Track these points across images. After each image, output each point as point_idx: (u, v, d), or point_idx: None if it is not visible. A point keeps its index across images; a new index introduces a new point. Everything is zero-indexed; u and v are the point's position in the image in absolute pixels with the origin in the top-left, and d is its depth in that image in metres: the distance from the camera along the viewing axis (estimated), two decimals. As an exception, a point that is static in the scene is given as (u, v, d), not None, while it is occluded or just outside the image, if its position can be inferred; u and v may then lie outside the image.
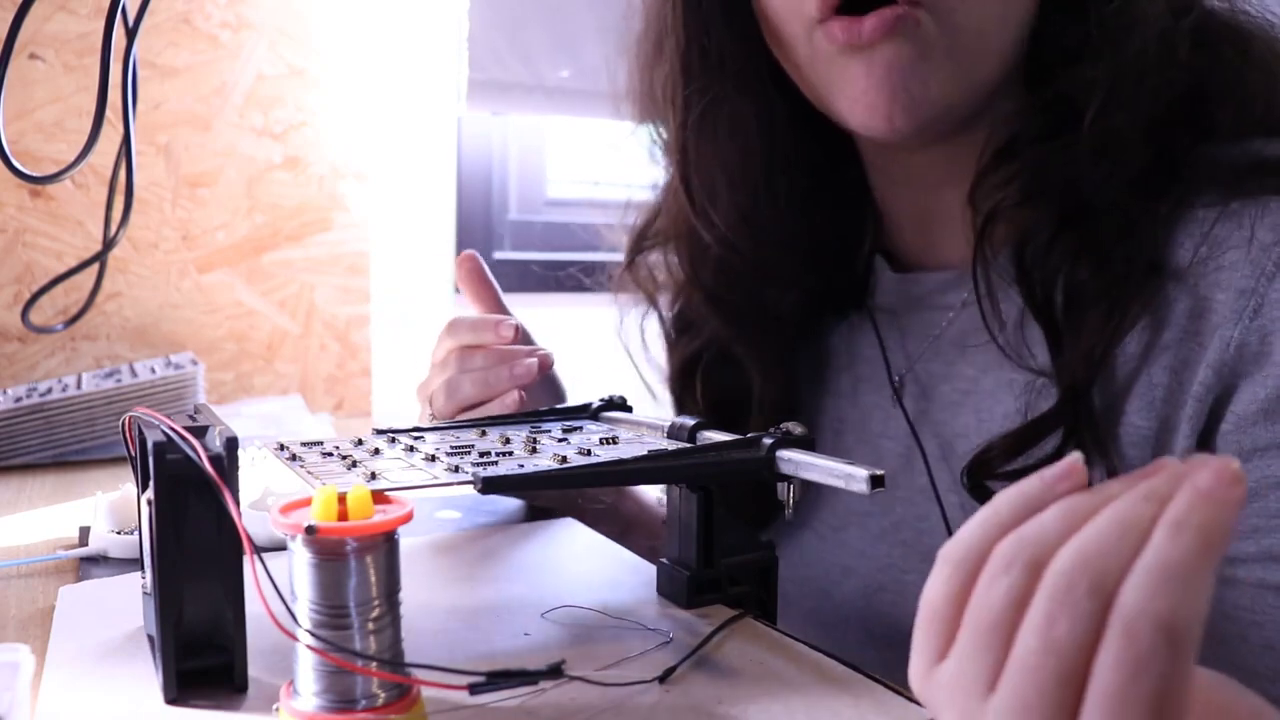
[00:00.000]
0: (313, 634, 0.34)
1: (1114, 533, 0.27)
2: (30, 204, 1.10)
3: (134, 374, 0.98)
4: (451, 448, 0.49)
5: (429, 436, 0.53)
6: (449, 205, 1.42)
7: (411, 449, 0.49)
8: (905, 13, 0.52)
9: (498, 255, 1.47)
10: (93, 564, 0.56)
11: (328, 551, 0.34)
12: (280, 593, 0.34)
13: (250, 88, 1.19)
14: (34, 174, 0.62)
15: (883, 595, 0.63)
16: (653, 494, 0.78)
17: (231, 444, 0.37)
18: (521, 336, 0.67)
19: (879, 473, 0.40)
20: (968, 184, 0.58)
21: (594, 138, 1.62)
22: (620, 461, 0.45)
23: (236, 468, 0.37)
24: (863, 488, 0.40)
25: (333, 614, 0.34)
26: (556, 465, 0.45)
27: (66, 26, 1.09)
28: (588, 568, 0.55)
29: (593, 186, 1.61)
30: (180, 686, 0.38)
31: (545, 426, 0.57)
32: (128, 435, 0.42)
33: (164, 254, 1.16)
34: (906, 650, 0.64)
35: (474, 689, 0.34)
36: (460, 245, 1.43)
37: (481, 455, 0.47)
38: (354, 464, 0.45)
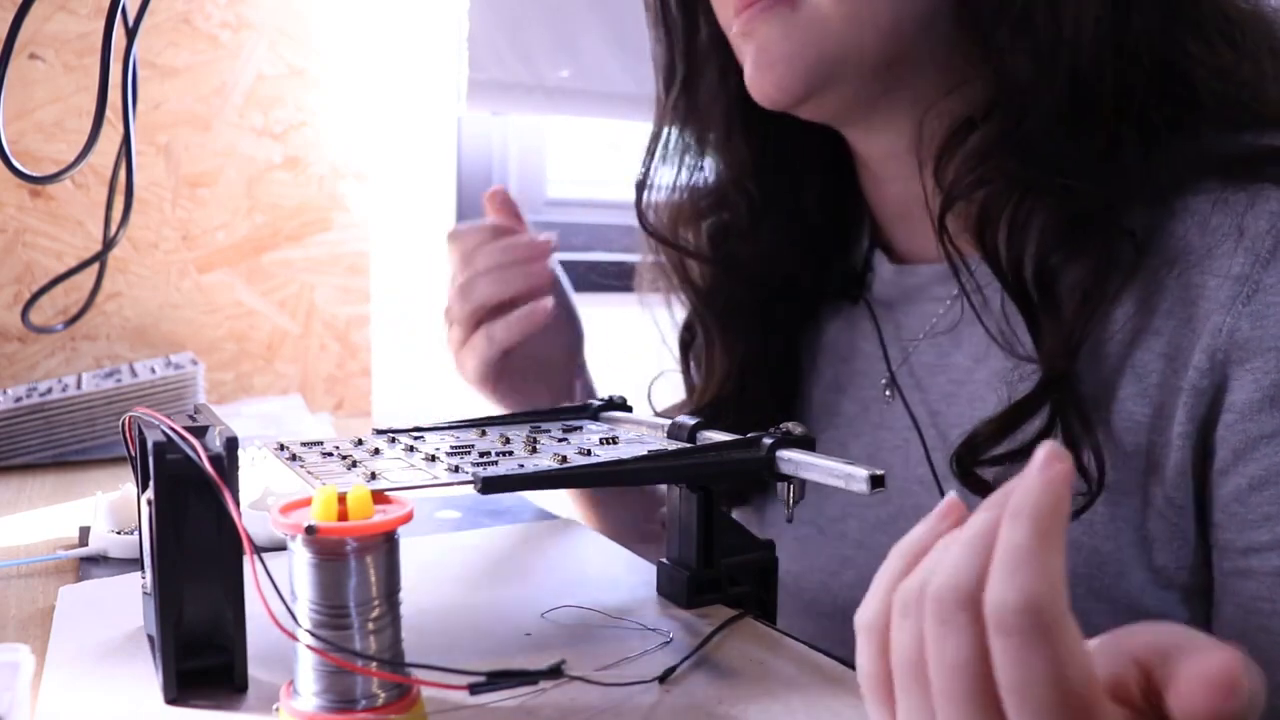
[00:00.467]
0: (313, 634, 0.34)
1: (970, 545, 0.28)
2: (30, 204, 1.10)
3: (134, 374, 0.98)
4: (451, 448, 0.49)
5: (429, 436, 0.53)
6: (449, 205, 1.42)
7: (411, 449, 0.49)
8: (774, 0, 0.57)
9: (498, 255, 1.47)
10: (93, 564, 0.56)
11: (328, 551, 0.34)
12: (280, 593, 0.34)
13: (250, 88, 1.19)
14: (34, 174, 0.62)
15: None
16: None
17: (231, 444, 0.37)
18: (538, 249, 0.69)
19: (879, 473, 0.40)
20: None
21: (594, 138, 1.62)
22: (620, 461, 0.45)
23: (236, 468, 0.37)
24: (863, 488, 0.40)
25: (333, 614, 0.34)
26: (556, 465, 0.45)
27: (66, 26, 1.09)
28: (588, 568, 0.55)
29: (593, 186, 1.61)
30: (180, 686, 0.38)
31: (545, 426, 0.57)
32: (128, 435, 0.42)
33: (164, 254, 1.16)
34: None
35: (474, 689, 0.34)
36: (460, 245, 1.42)
37: (481, 455, 0.47)
38: (354, 464, 0.45)
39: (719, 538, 0.48)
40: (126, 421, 0.42)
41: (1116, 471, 0.52)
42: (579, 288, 1.52)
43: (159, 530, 0.37)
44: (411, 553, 0.55)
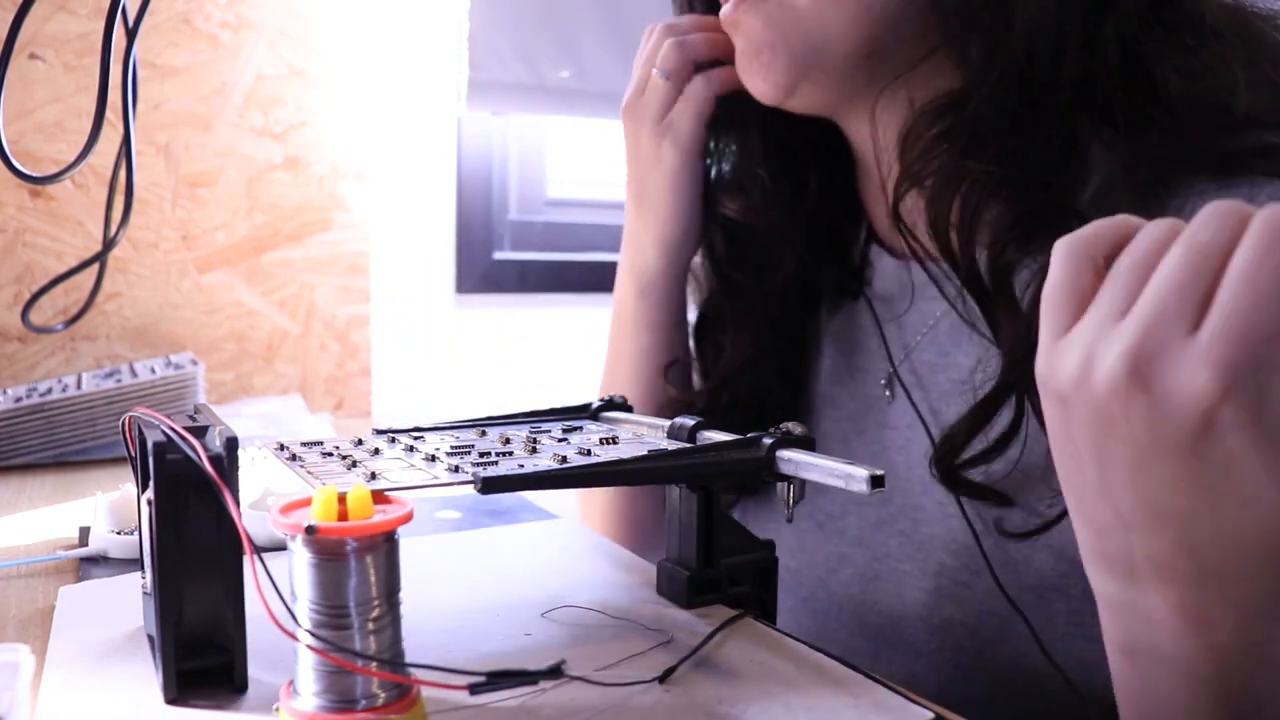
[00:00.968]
0: (313, 634, 0.34)
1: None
2: (30, 204, 1.10)
3: (134, 374, 0.98)
4: (451, 448, 0.49)
5: (429, 436, 0.53)
6: (449, 205, 1.42)
7: (411, 449, 0.49)
8: None
9: (498, 255, 1.47)
10: (93, 564, 0.56)
11: (328, 551, 0.34)
12: (280, 593, 0.34)
13: (250, 88, 1.19)
14: (34, 174, 0.62)
15: (878, 585, 0.63)
16: None
17: (231, 444, 0.37)
18: None
19: (879, 473, 0.40)
20: None
21: (594, 138, 1.62)
22: (620, 461, 0.45)
23: (236, 468, 0.37)
24: (863, 488, 0.40)
25: (333, 614, 0.34)
26: (556, 465, 0.45)
27: (66, 26, 1.09)
28: (588, 568, 0.55)
29: (593, 186, 1.61)
30: (180, 686, 0.38)
31: (545, 426, 0.57)
32: (128, 435, 0.42)
33: (164, 254, 1.16)
34: (898, 641, 0.65)
35: (474, 689, 0.34)
36: (460, 245, 1.43)
37: (481, 455, 0.47)
38: (354, 464, 0.45)
39: (719, 538, 0.48)
40: (126, 421, 0.42)
41: None
42: (579, 288, 1.52)
43: (159, 530, 0.37)
44: (411, 553, 0.55)
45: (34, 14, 0.82)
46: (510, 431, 0.54)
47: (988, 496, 0.56)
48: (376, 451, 0.49)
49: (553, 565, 0.56)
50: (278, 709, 0.35)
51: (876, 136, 0.62)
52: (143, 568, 0.41)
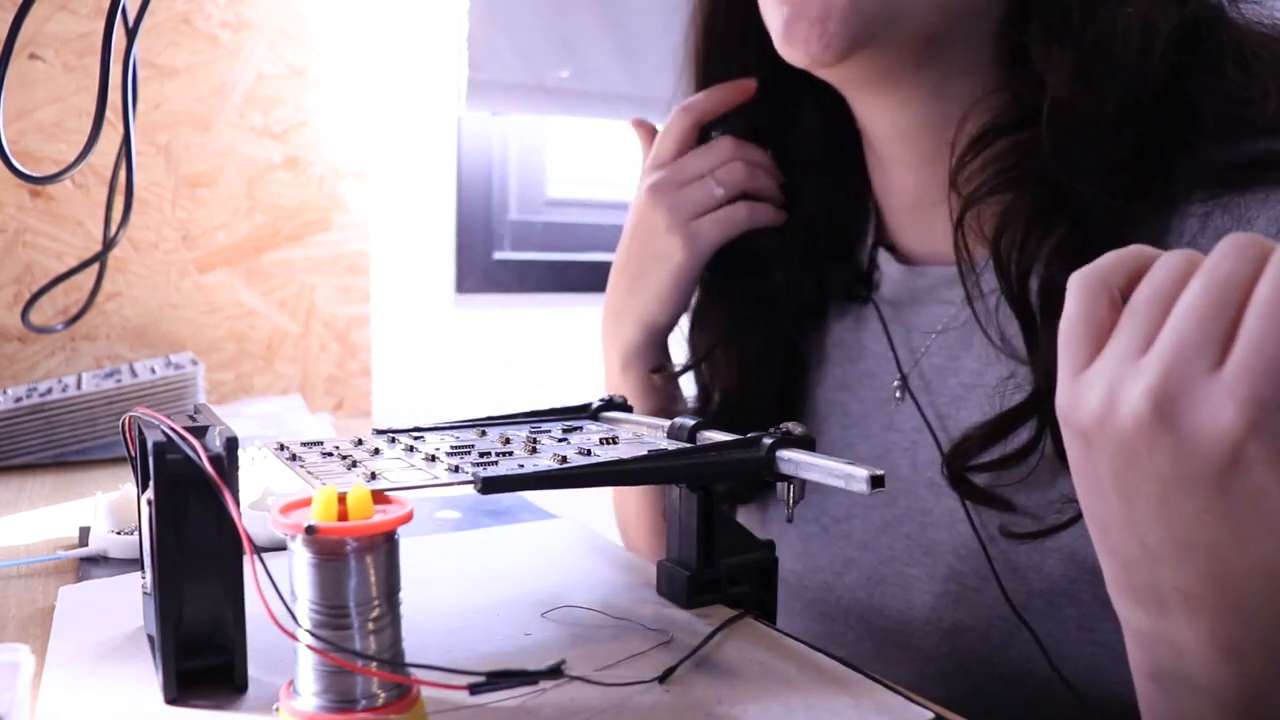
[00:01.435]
0: (313, 634, 0.34)
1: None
2: (30, 204, 1.10)
3: (134, 374, 0.98)
4: (451, 448, 0.49)
5: (429, 436, 0.53)
6: (449, 205, 1.42)
7: (411, 449, 0.49)
8: None
9: (498, 255, 1.47)
10: (93, 564, 0.56)
11: (328, 551, 0.34)
12: (280, 593, 0.34)
13: (250, 88, 1.19)
14: (34, 174, 0.62)
15: (884, 588, 0.63)
16: None
17: (231, 444, 0.37)
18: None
19: (879, 473, 0.40)
20: (946, 167, 0.59)
21: (594, 138, 1.62)
22: (620, 461, 0.45)
23: (236, 468, 0.37)
24: (863, 488, 0.40)
25: (333, 614, 0.34)
26: (556, 465, 0.45)
27: (66, 26, 1.09)
28: (588, 568, 0.55)
29: (593, 186, 1.61)
30: (180, 686, 0.38)
31: (545, 426, 0.57)
32: (128, 435, 0.42)
33: (164, 254, 1.16)
34: (906, 644, 0.65)
35: (474, 689, 0.34)
36: (460, 245, 1.43)
37: (481, 455, 0.47)
38: (354, 464, 0.45)
39: (719, 538, 0.48)
40: (126, 421, 0.42)
41: None
42: (579, 288, 1.52)
43: (159, 530, 0.37)
44: (411, 553, 0.55)
45: (34, 14, 0.82)
46: (510, 431, 0.54)
47: (993, 502, 0.56)
48: (376, 451, 0.49)
49: (553, 565, 0.56)
50: (278, 709, 0.35)
51: (905, 124, 0.61)
52: (143, 568, 0.41)
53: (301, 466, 0.46)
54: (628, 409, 0.61)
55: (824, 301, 0.72)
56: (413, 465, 0.45)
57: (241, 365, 1.21)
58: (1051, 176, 0.53)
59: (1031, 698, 0.56)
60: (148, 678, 0.40)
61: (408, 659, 0.36)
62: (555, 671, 0.35)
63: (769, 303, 0.71)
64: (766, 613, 0.49)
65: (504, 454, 0.47)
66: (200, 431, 0.38)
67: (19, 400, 0.91)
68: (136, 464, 0.42)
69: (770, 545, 0.49)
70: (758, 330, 0.71)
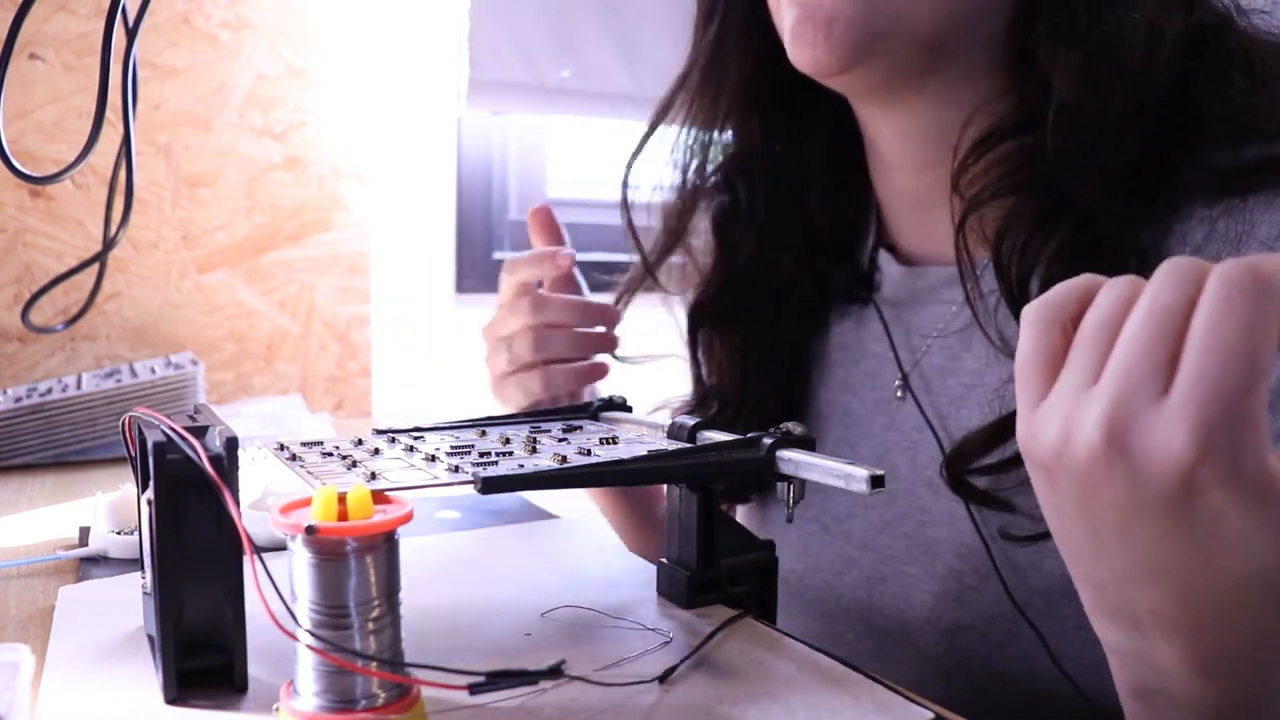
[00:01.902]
0: (313, 634, 0.34)
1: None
2: (30, 204, 1.10)
3: (134, 374, 0.98)
4: (451, 448, 0.49)
5: (429, 436, 0.53)
6: (449, 205, 1.42)
7: (411, 449, 0.49)
8: None
9: (498, 255, 1.47)
10: (93, 564, 0.56)
11: (328, 551, 0.34)
12: (280, 593, 0.34)
13: (250, 88, 1.19)
14: (34, 174, 0.62)
15: (884, 587, 0.63)
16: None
17: (231, 444, 0.37)
18: (610, 316, 0.71)
19: (879, 473, 0.40)
20: (949, 170, 0.58)
21: (594, 138, 1.62)
22: (620, 461, 0.45)
23: (236, 468, 0.37)
24: (863, 488, 0.40)
25: (333, 614, 0.34)
26: (556, 465, 0.45)
27: (66, 26, 1.09)
28: (588, 568, 0.55)
29: (593, 186, 1.61)
30: (180, 686, 0.38)
31: (545, 426, 0.57)
32: (128, 435, 0.42)
33: (164, 254, 1.16)
34: (906, 643, 0.65)
35: (474, 689, 0.34)
36: (460, 245, 1.43)
37: (481, 455, 0.47)
38: (354, 464, 0.45)
39: (719, 538, 0.48)
40: (126, 421, 0.42)
41: None
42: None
43: (159, 530, 0.37)
44: (411, 553, 0.55)
45: (34, 14, 0.82)
46: (510, 431, 0.54)
47: (992, 503, 0.56)
48: (376, 451, 0.49)
49: (553, 565, 0.56)
50: (278, 709, 0.35)
51: (908, 127, 0.61)
52: (143, 568, 0.41)
53: (301, 466, 0.46)
54: (628, 409, 0.61)
55: (825, 303, 0.72)
56: (413, 465, 0.45)
57: (241, 365, 1.21)
58: (1054, 180, 0.53)
59: (1031, 696, 0.56)
60: (148, 678, 0.40)
61: (408, 659, 0.36)
62: (555, 671, 0.35)
63: (772, 301, 0.71)
64: (766, 613, 0.49)
65: (504, 454, 0.47)
66: (200, 431, 0.38)
67: (19, 400, 0.91)
68: (136, 464, 0.42)
69: (770, 545, 0.49)
70: (760, 329, 0.71)
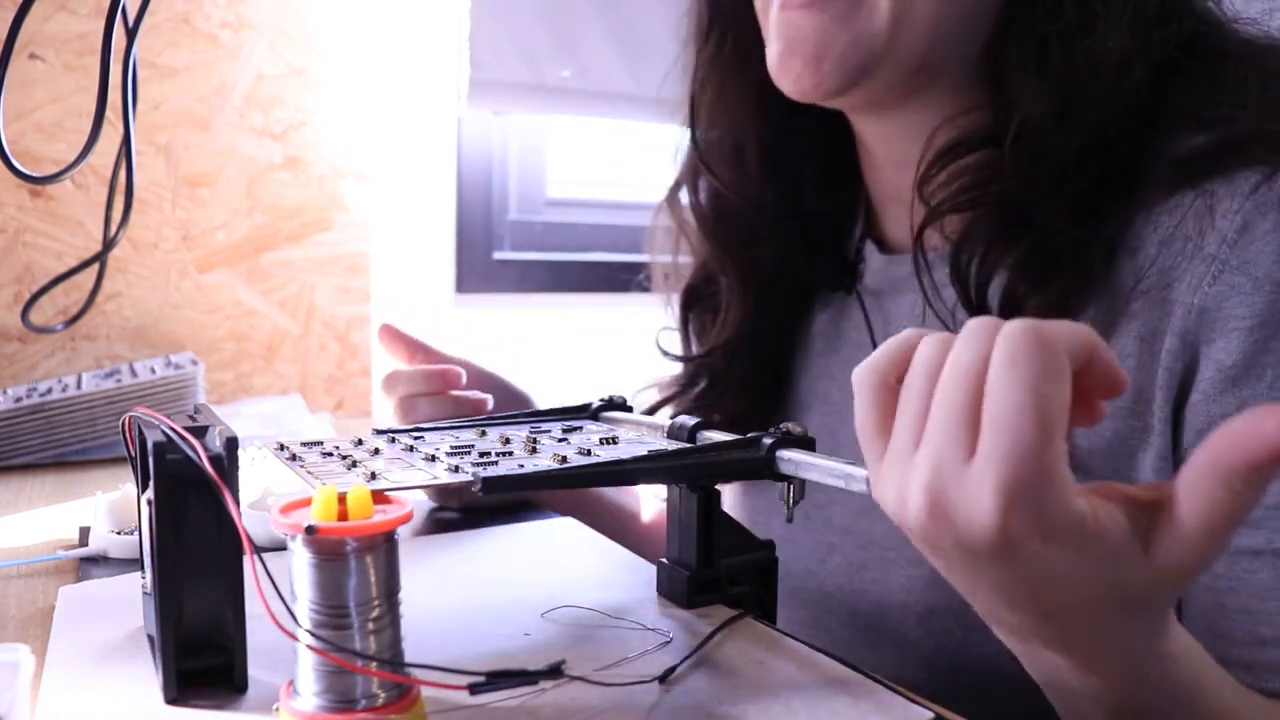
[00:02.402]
0: (313, 634, 0.34)
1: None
2: (30, 204, 1.10)
3: (134, 374, 0.98)
4: (451, 448, 0.49)
5: (429, 436, 0.53)
6: (449, 205, 1.42)
7: (411, 449, 0.49)
8: None
9: (498, 255, 1.47)
10: (93, 564, 0.56)
11: (328, 551, 0.34)
12: (280, 593, 0.34)
13: (250, 88, 1.19)
14: (34, 174, 0.62)
15: (865, 573, 0.64)
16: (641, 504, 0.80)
17: (231, 444, 0.37)
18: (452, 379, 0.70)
19: (879, 473, 0.40)
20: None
21: (594, 138, 1.62)
22: (620, 461, 0.45)
23: (236, 468, 0.37)
24: (862, 488, 0.40)
25: (333, 614, 0.34)
26: (556, 465, 0.45)
27: (66, 26, 1.09)
28: (588, 568, 0.55)
29: (593, 186, 1.61)
30: (180, 686, 0.38)
31: (545, 426, 0.57)
32: (128, 435, 0.42)
33: (164, 254, 1.16)
34: (885, 628, 0.65)
35: (474, 689, 0.34)
36: (460, 245, 1.43)
37: (481, 455, 0.47)
38: (354, 464, 0.45)
39: (719, 538, 0.48)
40: (126, 421, 0.42)
41: (1096, 460, 0.53)
42: (579, 288, 1.51)
43: (159, 530, 0.37)
44: (411, 553, 0.55)
45: (34, 14, 0.82)
46: (510, 431, 0.54)
47: None
48: (376, 451, 0.49)
49: (553, 565, 0.56)
50: (278, 709, 0.35)
51: (895, 133, 0.62)
52: (143, 568, 0.41)
53: (301, 466, 0.46)
54: (628, 409, 0.61)
55: (811, 292, 0.73)
56: (413, 465, 0.45)
57: (241, 365, 1.21)
58: (1010, 200, 0.54)
59: (1009, 678, 0.56)
60: (148, 678, 0.40)
61: (408, 659, 0.36)
62: (555, 671, 0.35)
63: (761, 285, 0.71)
64: (766, 613, 0.49)
65: (504, 454, 0.47)
66: (200, 431, 0.38)
67: (19, 400, 0.91)
68: (136, 464, 0.42)
69: (770, 545, 0.49)
70: (748, 310, 0.71)
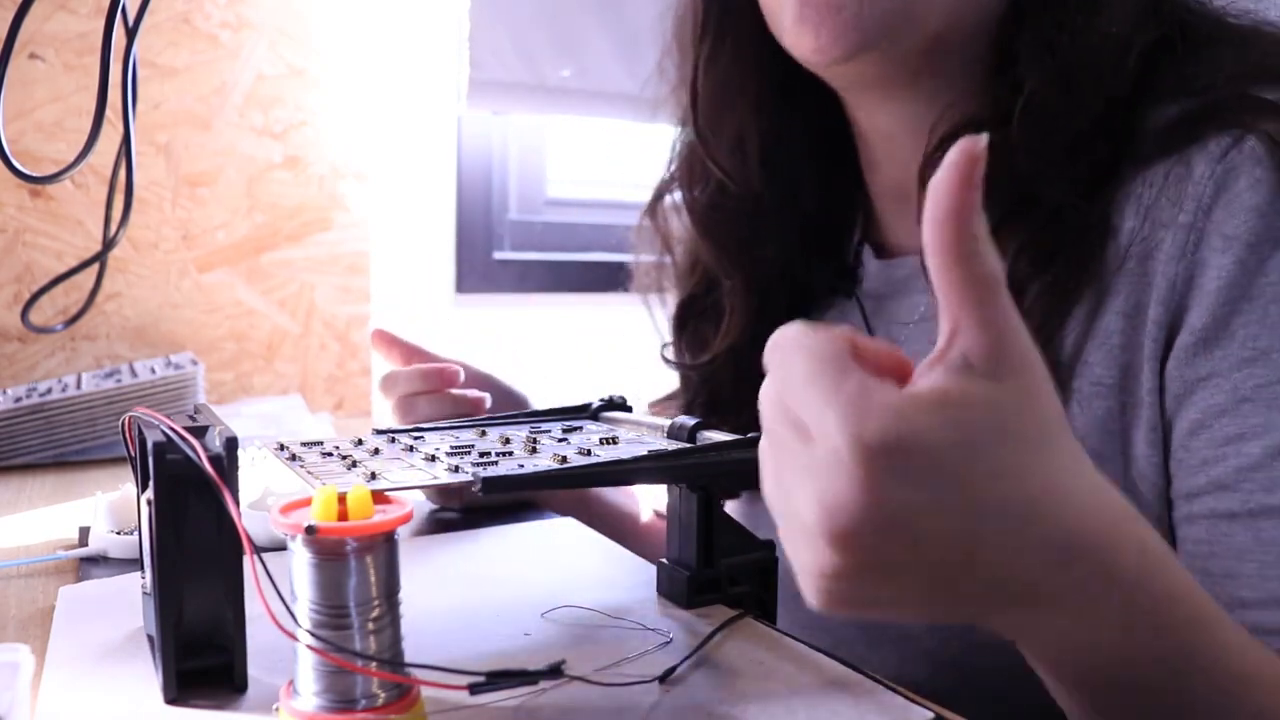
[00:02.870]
0: (313, 634, 0.34)
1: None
2: (30, 204, 1.10)
3: (134, 374, 0.98)
4: (451, 448, 0.49)
5: (429, 436, 0.53)
6: (449, 205, 1.42)
7: (411, 449, 0.49)
8: None
9: (498, 255, 1.47)
10: (93, 564, 0.56)
11: (328, 551, 0.34)
12: (280, 593, 0.34)
13: (250, 88, 1.19)
14: (34, 174, 0.62)
15: None
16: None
17: (231, 444, 0.37)
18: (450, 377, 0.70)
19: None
20: None
21: (594, 138, 1.62)
22: (620, 461, 0.45)
23: (236, 468, 0.37)
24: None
25: (333, 614, 0.34)
26: (556, 465, 0.45)
27: (66, 26, 1.09)
28: (588, 568, 0.55)
29: (593, 186, 1.61)
30: (180, 686, 0.38)
31: (545, 426, 0.57)
32: (128, 435, 0.42)
33: (164, 254, 1.16)
34: (891, 627, 0.65)
35: (474, 689, 0.34)
36: (460, 245, 1.43)
37: (481, 455, 0.47)
38: (354, 464, 0.45)
39: (719, 538, 0.48)
40: (126, 421, 0.42)
41: (1092, 439, 0.53)
42: (579, 288, 1.51)
43: (159, 530, 0.37)
44: (411, 553, 0.55)
45: (34, 13, 0.82)
46: (510, 431, 0.54)
47: None
48: (376, 451, 0.49)
49: (553, 565, 0.56)
50: (278, 709, 0.35)
51: (899, 123, 0.62)
52: (143, 568, 0.41)
53: (301, 466, 0.46)
54: (628, 409, 0.61)
55: (810, 298, 0.73)
56: (413, 465, 0.45)
57: (241, 365, 1.21)
58: (1018, 178, 0.54)
59: (1016, 674, 0.56)
60: (148, 678, 0.40)
61: (408, 659, 0.36)
62: (555, 671, 0.35)
63: (761, 291, 0.71)
64: (767, 613, 0.49)
65: (504, 454, 0.47)
66: (200, 431, 0.38)
67: (19, 400, 0.91)
68: (136, 464, 0.42)
69: (771, 545, 0.49)
70: (748, 317, 0.71)
